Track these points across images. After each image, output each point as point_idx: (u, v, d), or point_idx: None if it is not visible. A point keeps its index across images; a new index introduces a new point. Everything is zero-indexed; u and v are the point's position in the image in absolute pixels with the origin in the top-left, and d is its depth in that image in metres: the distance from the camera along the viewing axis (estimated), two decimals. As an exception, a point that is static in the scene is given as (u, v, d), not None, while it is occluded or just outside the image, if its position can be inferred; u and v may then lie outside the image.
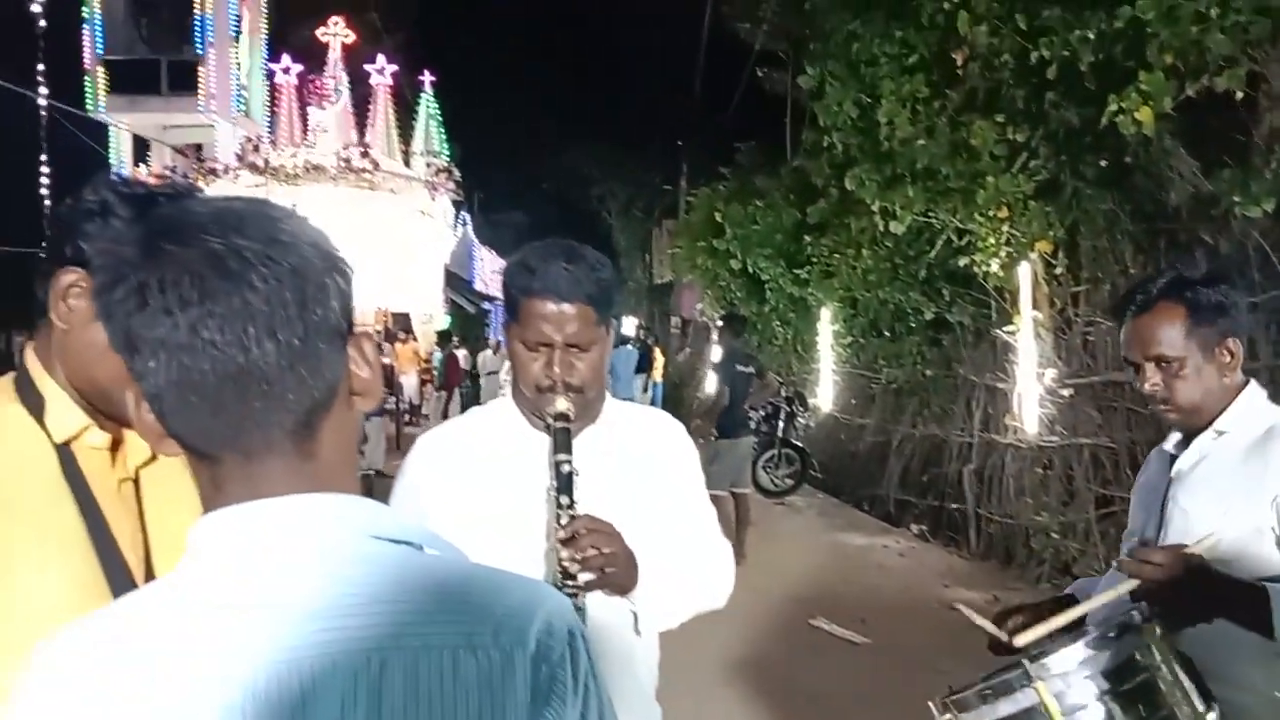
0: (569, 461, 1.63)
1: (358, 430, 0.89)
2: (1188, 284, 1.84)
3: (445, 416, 14.99)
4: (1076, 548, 6.75)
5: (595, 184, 33.80)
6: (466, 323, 27.44)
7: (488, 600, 0.81)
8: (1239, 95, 5.24)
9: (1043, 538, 7.03)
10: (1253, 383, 1.88)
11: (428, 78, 22.56)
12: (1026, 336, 7.22)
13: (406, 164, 20.72)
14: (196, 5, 18.80)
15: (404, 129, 21.70)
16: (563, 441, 1.65)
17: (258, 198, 0.85)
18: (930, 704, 1.65)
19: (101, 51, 19.01)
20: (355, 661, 0.76)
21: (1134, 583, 1.70)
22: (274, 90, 20.73)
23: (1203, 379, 1.82)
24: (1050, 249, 7.03)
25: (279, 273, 0.78)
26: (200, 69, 18.79)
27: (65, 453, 1.34)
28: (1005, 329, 7.53)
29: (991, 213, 6.97)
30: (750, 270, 13.22)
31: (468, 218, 28.90)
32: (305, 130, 19.17)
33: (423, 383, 18.42)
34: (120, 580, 1.32)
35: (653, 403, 17.11)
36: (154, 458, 1.44)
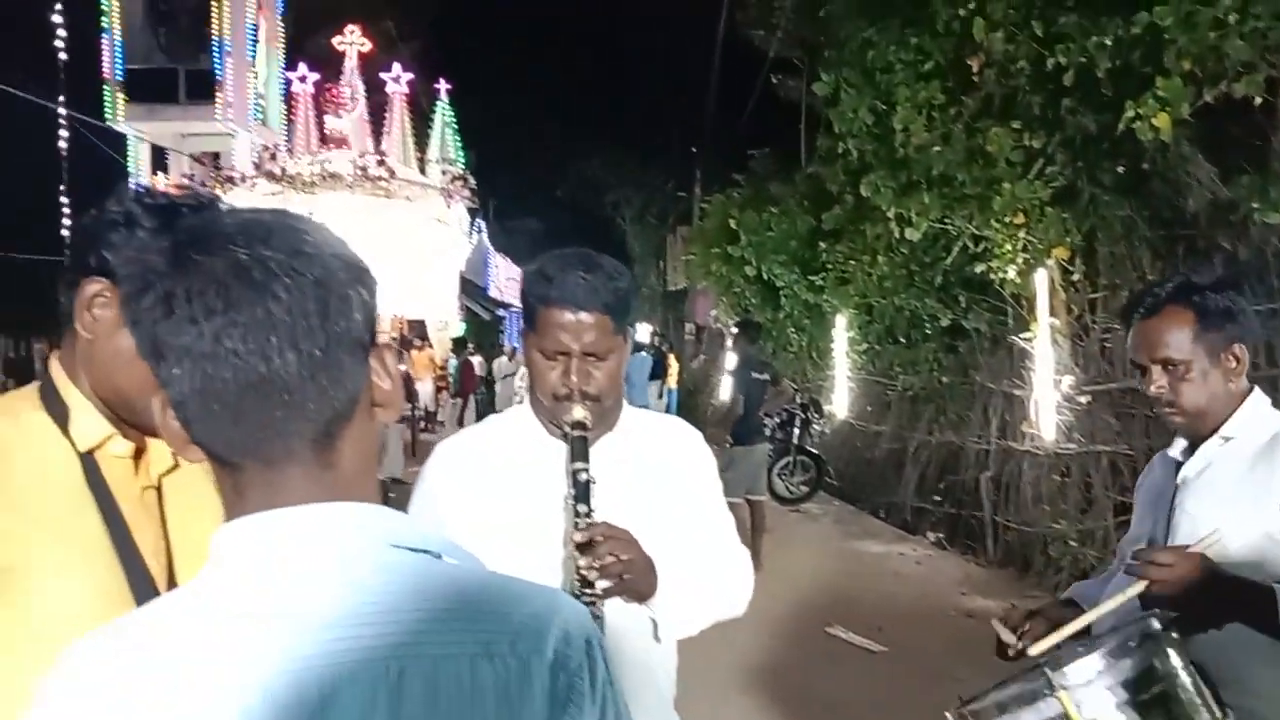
0: (586, 470, 1.63)
1: (379, 440, 0.90)
2: (1196, 289, 1.85)
3: (460, 423, 15.03)
4: (1095, 555, 6.70)
5: (609, 190, 33.89)
6: (481, 329, 27.52)
7: (505, 609, 0.82)
8: (1258, 101, 5.21)
9: (1061, 545, 6.98)
10: (1257, 389, 1.89)
11: (443, 85, 22.66)
12: (1044, 343, 7.19)
13: (422, 172, 20.80)
14: (214, 16, 18.94)
15: (419, 137, 21.79)
16: (580, 450, 1.65)
17: (284, 209, 0.86)
18: (946, 715, 1.64)
19: (121, 61, 19.17)
20: (374, 670, 0.77)
21: (1142, 585, 1.70)
22: (291, 99, 20.86)
23: (1208, 383, 1.83)
24: (1067, 255, 6.99)
25: (302, 284, 0.79)
26: (218, 78, 18.92)
27: (89, 461, 1.36)
28: (1022, 335, 7.50)
29: (1008, 219, 6.94)
30: (765, 277, 13.21)
31: (482, 225, 28.97)
32: (322, 138, 19.28)
33: (438, 390, 18.47)
34: (143, 587, 1.33)
35: (667, 409, 17.10)
36: (176, 465, 1.45)
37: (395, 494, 8.66)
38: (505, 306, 31.84)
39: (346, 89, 19.55)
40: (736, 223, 13.52)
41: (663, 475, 1.81)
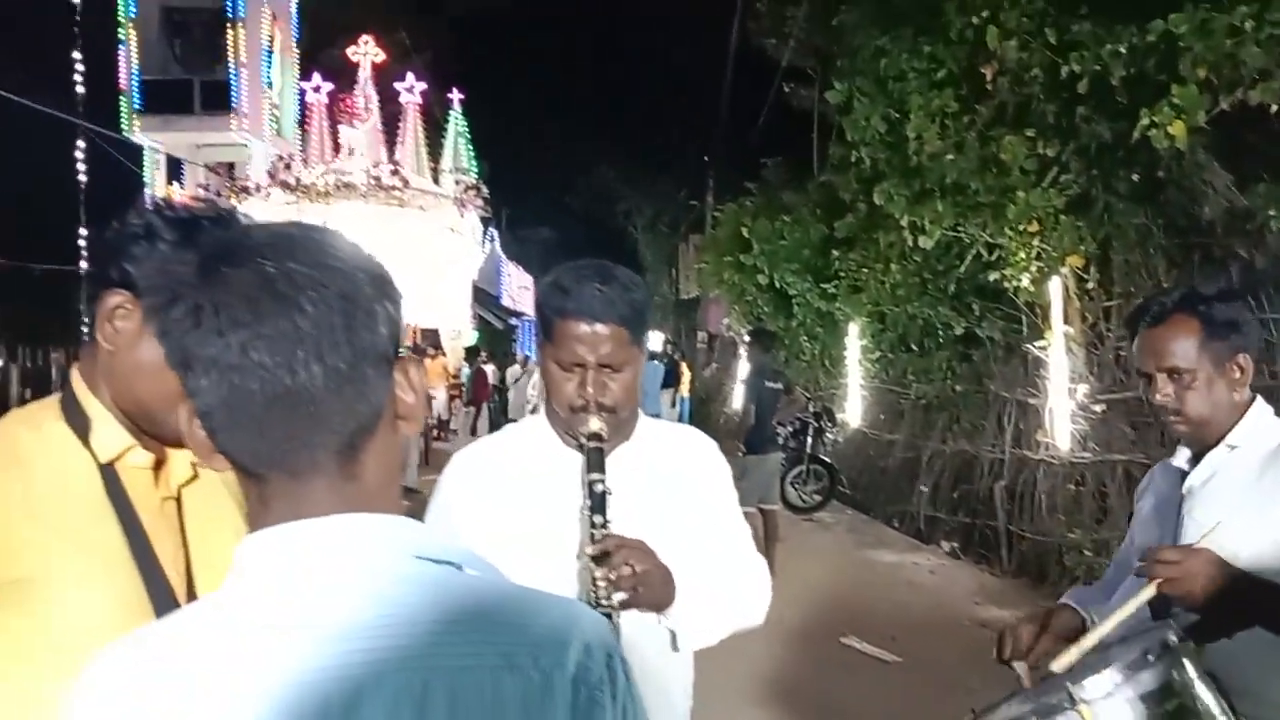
0: (602, 481, 1.63)
1: (402, 452, 0.90)
2: (1202, 299, 1.87)
3: (474, 432, 15.06)
4: (1110, 565, 6.66)
5: (621, 199, 33.94)
6: (494, 338, 27.59)
7: (526, 621, 0.82)
8: (1274, 108, 5.18)
9: (1076, 555, 6.94)
10: (1259, 398, 1.90)
11: (456, 95, 22.74)
12: (1058, 351, 7.16)
13: (435, 181, 20.87)
14: (229, 28, 19.08)
15: (433, 146, 21.86)
16: (596, 461, 1.65)
17: (314, 224, 0.87)
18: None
19: (137, 73, 19.32)
20: (398, 681, 0.77)
21: (1154, 588, 1.69)
22: (305, 109, 20.98)
23: (1214, 393, 1.85)
24: (1082, 263, 6.97)
25: (329, 297, 0.80)
26: (233, 88, 19.05)
27: (109, 472, 1.36)
28: (1037, 344, 7.47)
29: (1022, 227, 6.92)
30: (777, 285, 13.20)
31: (495, 234, 29.07)
32: (336, 148, 19.37)
33: (451, 398, 18.51)
34: (162, 598, 1.34)
35: (680, 418, 17.10)
36: (195, 477, 1.46)
37: (410, 502, 8.67)
38: (517, 315, 31.92)
39: (360, 99, 19.64)
40: (749, 231, 13.52)
41: (674, 484, 1.81)
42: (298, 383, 0.79)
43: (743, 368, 12.34)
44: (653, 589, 1.61)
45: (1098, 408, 7.02)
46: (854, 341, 11.90)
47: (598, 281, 1.67)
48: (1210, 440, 1.88)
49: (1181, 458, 1.96)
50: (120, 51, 19.26)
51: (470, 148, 22.82)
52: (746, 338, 10.85)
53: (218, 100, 19.40)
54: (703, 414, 18.72)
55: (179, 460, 1.44)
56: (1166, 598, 1.71)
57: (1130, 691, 1.52)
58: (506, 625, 0.81)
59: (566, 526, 1.69)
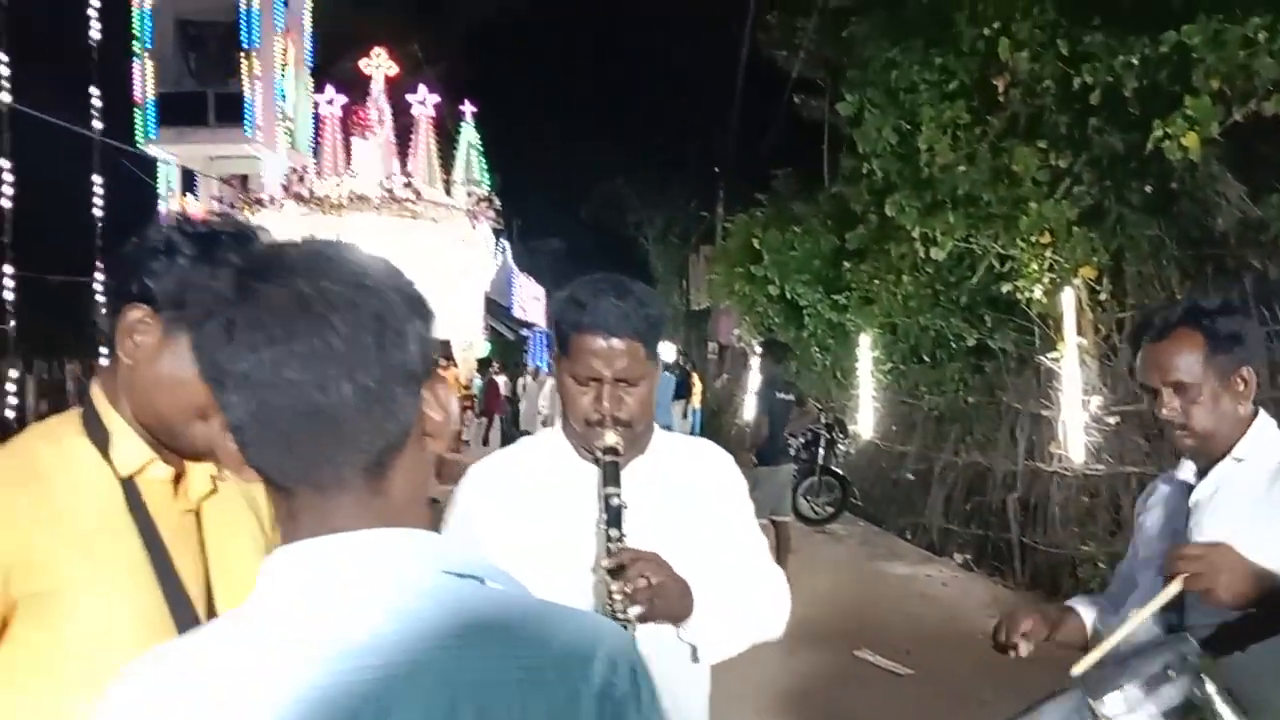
0: (618, 494, 1.64)
1: (429, 468, 0.91)
2: (1205, 312, 1.87)
3: (486, 443, 15.07)
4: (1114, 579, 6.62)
5: (632, 211, 33.97)
6: (506, 349, 27.63)
7: (550, 635, 0.82)
8: (1288, 119, 5.18)
9: (1090, 568, 6.90)
10: (1263, 411, 1.90)
11: (468, 108, 22.82)
12: (1071, 363, 7.13)
13: (448, 193, 20.92)
14: (242, 41, 19.20)
15: (445, 158, 21.92)
16: (612, 475, 1.66)
17: (349, 243, 0.88)
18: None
19: (152, 86, 19.47)
20: (426, 697, 0.77)
21: (1178, 585, 1.68)
22: (318, 121, 21.08)
23: (1219, 406, 1.84)
24: (1095, 275, 6.95)
25: (361, 317, 0.81)
26: (246, 101, 19.17)
27: (129, 486, 1.37)
28: (1049, 356, 7.45)
29: (1034, 239, 6.91)
30: (788, 296, 13.19)
31: (506, 245, 29.12)
32: (349, 160, 19.45)
33: (463, 409, 18.55)
34: (182, 611, 1.35)
35: (692, 429, 17.08)
36: (214, 490, 1.47)
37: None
38: (529, 326, 31.95)
39: (373, 111, 19.71)
40: (759, 242, 13.51)
41: (688, 497, 1.81)
42: (328, 401, 0.80)
43: (753, 379, 12.30)
44: (669, 602, 1.61)
45: (1111, 420, 6.99)
46: (865, 353, 11.87)
47: (613, 296, 1.68)
48: (1216, 454, 1.88)
49: (1186, 471, 1.96)
50: (135, 65, 19.41)
51: (482, 160, 22.90)
52: (758, 349, 10.85)
53: (232, 113, 19.51)
54: (714, 425, 18.70)
55: (198, 474, 1.45)
56: (1182, 599, 1.70)
57: (1153, 708, 1.51)
58: (531, 640, 0.81)
59: (582, 539, 1.70)
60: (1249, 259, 5.95)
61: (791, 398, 8.27)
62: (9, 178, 9.43)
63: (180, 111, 19.63)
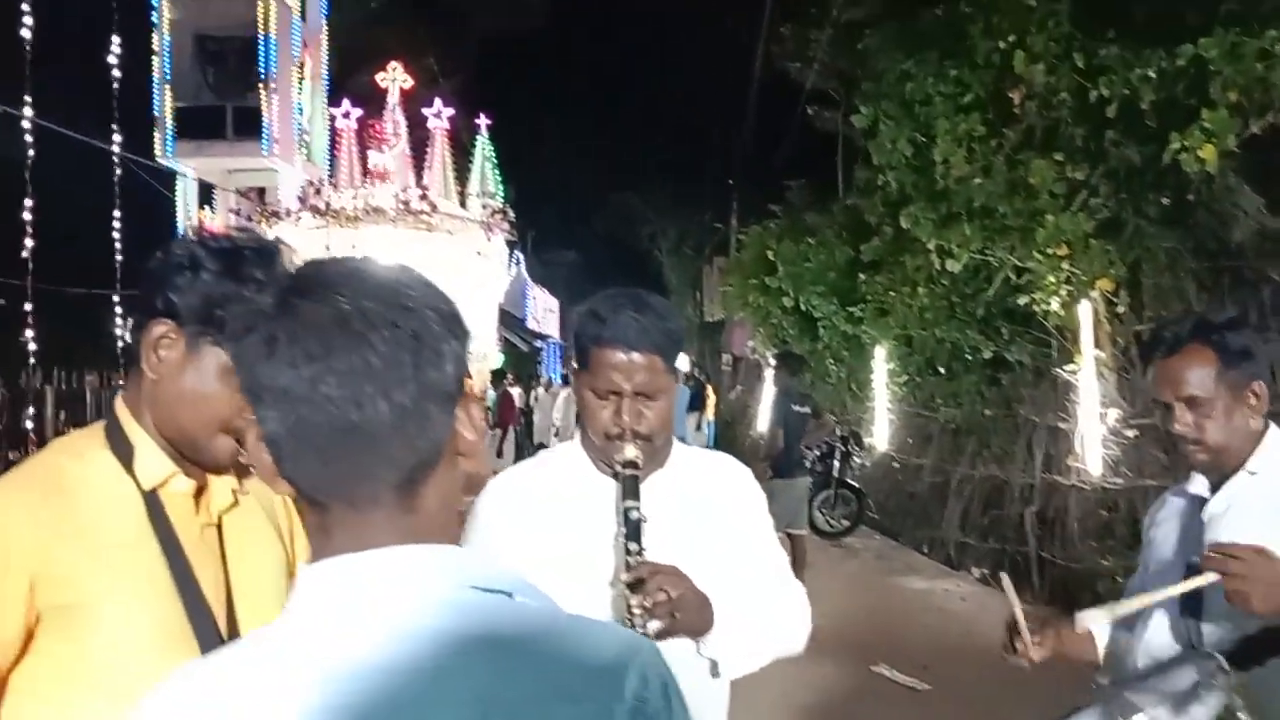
0: (638, 508, 1.64)
1: (460, 486, 0.92)
2: (1214, 328, 1.88)
3: (500, 454, 15.08)
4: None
5: (646, 222, 34.00)
6: (520, 361, 27.66)
7: (582, 651, 0.82)
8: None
9: (1108, 582, 6.84)
10: (1274, 425, 1.91)
11: (483, 120, 22.93)
12: (1088, 376, 7.09)
13: (463, 205, 21.00)
14: (260, 56, 19.36)
15: (460, 171, 22.02)
16: (631, 489, 1.66)
17: (396, 264, 0.89)
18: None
19: (170, 100, 19.65)
20: (457, 713, 0.77)
21: (1214, 578, 1.67)
22: (334, 134, 21.22)
23: (1232, 421, 1.86)
24: (1112, 287, 6.92)
25: (400, 336, 0.81)
26: (264, 114, 19.31)
27: (152, 499, 1.39)
28: (1066, 368, 7.41)
29: (1051, 251, 6.89)
30: (802, 308, 13.17)
31: (521, 256, 29.19)
32: (365, 173, 19.56)
33: (478, 421, 18.53)
34: (203, 624, 1.35)
35: (706, 441, 17.04)
36: (236, 503, 1.48)
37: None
38: (543, 338, 32.00)
39: (389, 124, 19.83)
40: (773, 254, 13.51)
41: (705, 510, 1.81)
42: (363, 418, 0.81)
43: (767, 391, 12.27)
44: (689, 616, 1.60)
45: (1129, 433, 6.95)
46: (881, 365, 11.84)
47: (633, 310, 1.68)
48: (1228, 468, 1.89)
49: (1197, 485, 1.97)
50: (154, 81, 19.60)
51: (497, 172, 23.00)
52: (772, 361, 10.82)
53: (249, 127, 19.66)
54: (728, 437, 18.66)
55: (220, 487, 1.46)
56: (1198, 597, 1.70)
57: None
58: (561, 655, 0.81)
59: (600, 552, 1.70)
60: (1267, 270, 5.93)
61: (807, 410, 8.24)
62: (29, 190, 9.51)
63: (198, 125, 19.78)
